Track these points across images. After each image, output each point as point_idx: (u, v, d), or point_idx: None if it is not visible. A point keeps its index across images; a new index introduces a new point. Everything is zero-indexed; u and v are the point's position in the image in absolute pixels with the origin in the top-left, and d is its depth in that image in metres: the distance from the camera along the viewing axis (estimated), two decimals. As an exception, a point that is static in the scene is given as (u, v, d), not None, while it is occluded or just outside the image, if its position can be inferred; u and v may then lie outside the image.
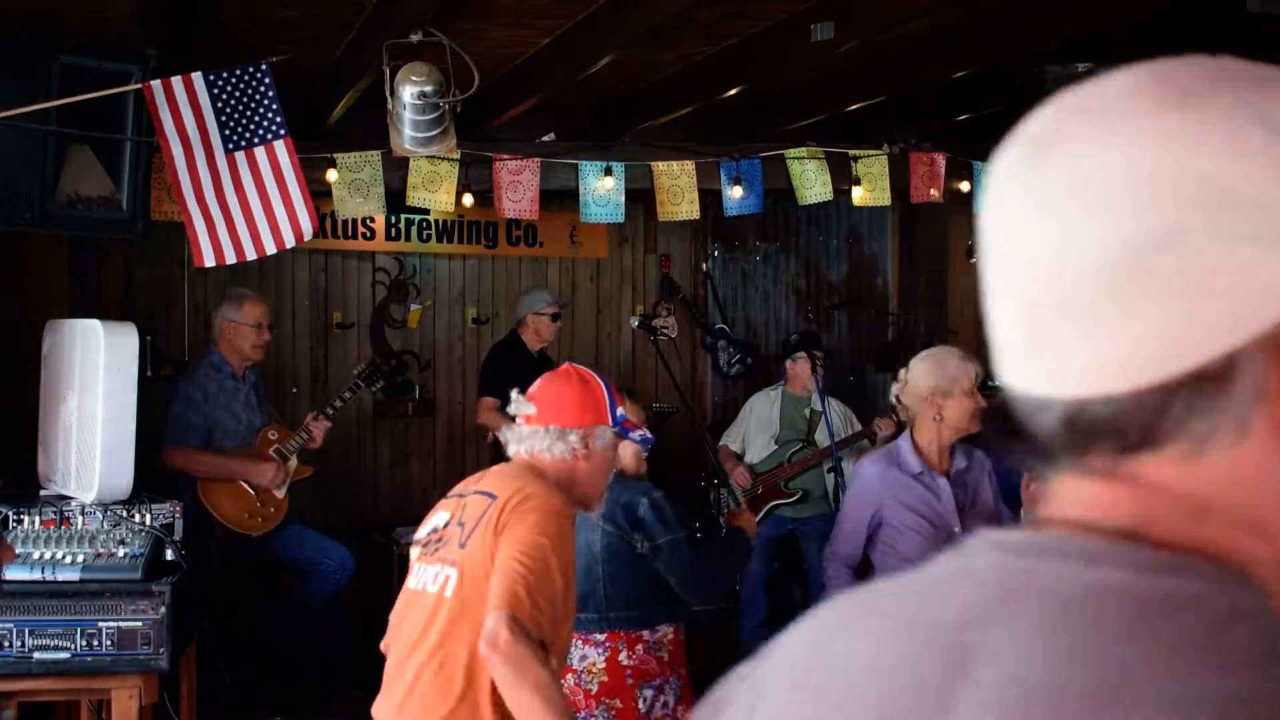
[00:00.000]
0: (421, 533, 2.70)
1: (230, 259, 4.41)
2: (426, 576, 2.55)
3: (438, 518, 2.67)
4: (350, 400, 5.97)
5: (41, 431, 4.73)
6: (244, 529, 5.43)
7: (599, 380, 2.78)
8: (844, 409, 6.52)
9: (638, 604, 3.52)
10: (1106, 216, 0.66)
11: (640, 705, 3.35)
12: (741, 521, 4.00)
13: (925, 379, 3.79)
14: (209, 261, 4.41)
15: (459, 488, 2.73)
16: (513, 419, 2.76)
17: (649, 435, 2.85)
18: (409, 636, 2.52)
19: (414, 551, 2.71)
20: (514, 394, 2.77)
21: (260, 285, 7.60)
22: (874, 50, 5.39)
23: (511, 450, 2.72)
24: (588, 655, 3.38)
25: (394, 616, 2.64)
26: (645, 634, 3.44)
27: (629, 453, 3.55)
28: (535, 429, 2.68)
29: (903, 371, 3.88)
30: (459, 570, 2.46)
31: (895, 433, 6.03)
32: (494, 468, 2.75)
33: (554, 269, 8.53)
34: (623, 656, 3.38)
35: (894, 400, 3.92)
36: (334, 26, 4.76)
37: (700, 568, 3.55)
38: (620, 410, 2.78)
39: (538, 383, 2.77)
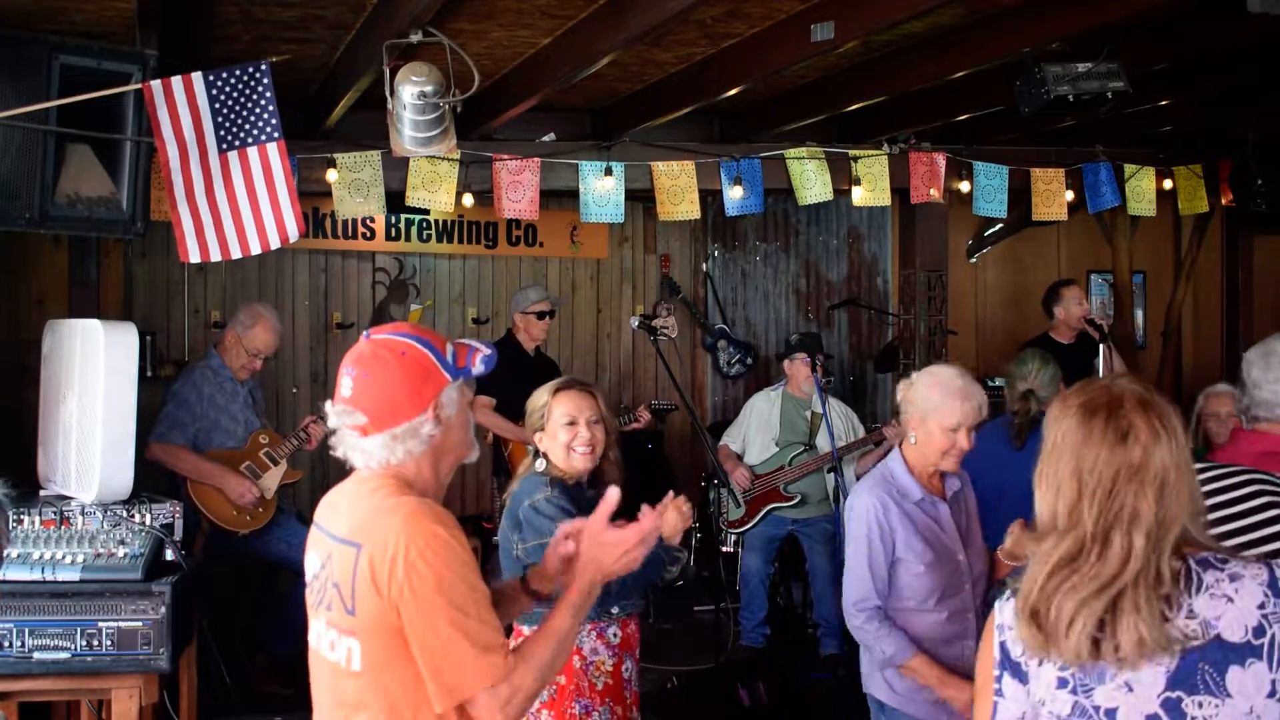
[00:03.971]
0: (308, 568, 2.37)
1: (215, 257, 4.42)
2: (324, 639, 2.26)
3: (311, 560, 2.34)
4: None
5: (41, 431, 4.73)
6: (231, 525, 5.45)
7: (411, 340, 2.26)
8: (845, 410, 6.51)
9: None
10: None
11: None
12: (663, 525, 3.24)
13: (916, 395, 3.48)
14: (194, 258, 4.42)
15: (320, 515, 2.36)
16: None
17: (489, 352, 2.31)
18: (330, 714, 2.28)
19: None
20: (327, 405, 2.29)
21: (260, 285, 7.62)
22: (874, 50, 5.39)
23: (359, 463, 2.27)
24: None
25: (312, 680, 2.35)
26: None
27: (559, 450, 3.36)
28: (377, 439, 2.22)
29: (913, 374, 3.59)
30: (359, 641, 2.16)
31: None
32: (349, 487, 2.31)
33: (554, 269, 8.53)
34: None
35: (897, 398, 3.61)
36: (334, 26, 4.76)
37: None
38: (448, 348, 2.28)
39: (350, 383, 2.24)
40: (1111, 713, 1.86)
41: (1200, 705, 1.83)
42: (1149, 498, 1.86)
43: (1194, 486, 1.91)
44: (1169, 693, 1.84)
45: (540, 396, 3.50)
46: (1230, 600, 1.85)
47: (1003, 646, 1.95)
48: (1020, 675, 1.93)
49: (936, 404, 3.41)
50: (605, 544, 2.30)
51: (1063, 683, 1.88)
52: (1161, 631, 1.82)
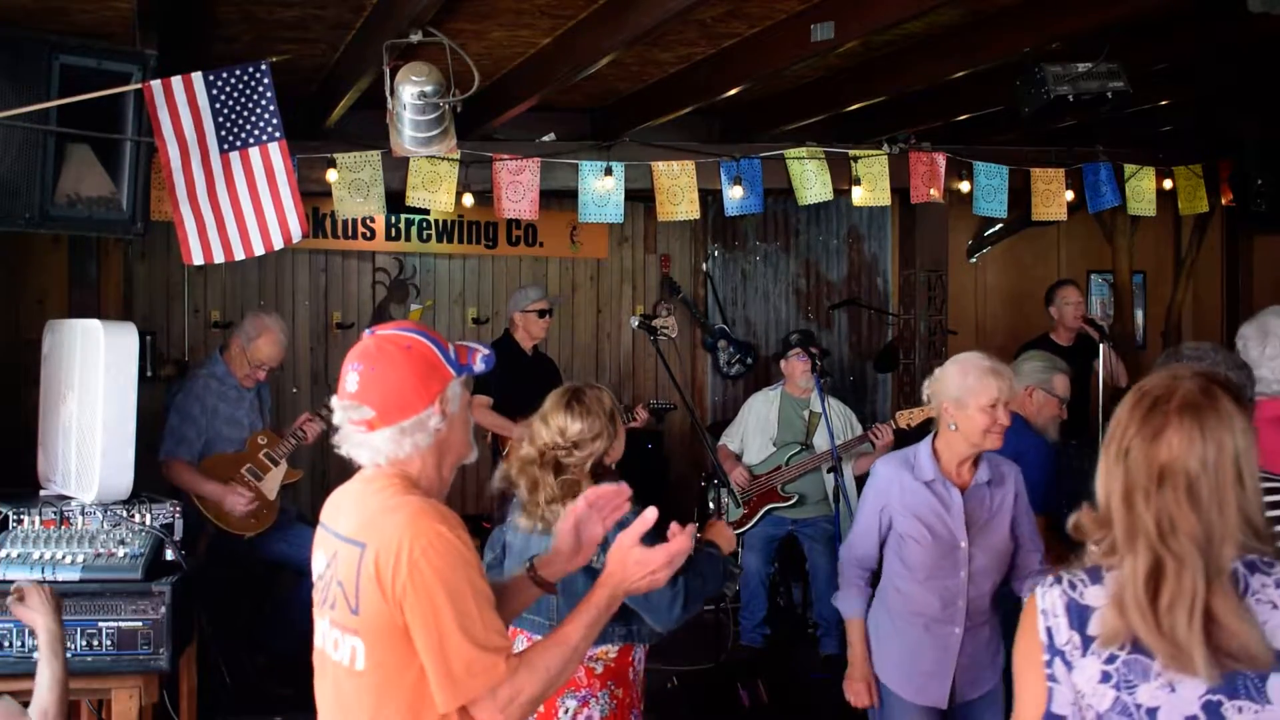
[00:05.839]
0: (314, 567, 2.37)
1: (218, 258, 4.41)
2: (328, 638, 2.26)
3: (318, 559, 2.34)
4: None
5: (41, 431, 4.73)
6: (236, 529, 5.46)
7: (416, 335, 2.29)
8: (844, 410, 6.50)
9: None
10: None
11: (561, 714, 3.23)
12: (714, 534, 3.44)
13: (947, 384, 3.66)
14: (197, 260, 4.42)
15: (326, 514, 2.36)
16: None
17: (487, 352, 2.35)
18: (332, 714, 2.29)
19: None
20: (333, 400, 2.30)
21: (260, 285, 7.62)
22: (874, 50, 5.39)
23: (365, 460, 2.28)
24: None
25: (315, 680, 2.35)
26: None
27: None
28: (384, 433, 2.23)
29: (937, 370, 3.76)
30: (363, 640, 2.16)
31: (893, 440, 6.03)
32: (354, 486, 2.32)
33: (554, 269, 8.53)
34: None
35: (924, 398, 3.80)
36: (334, 26, 4.76)
37: (670, 595, 3.11)
38: (450, 346, 2.32)
39: (356, 378, 2.25)
40: (1153, 711, 1.83)
41: (1240, 710, 1.80)
42: (1185, 506, 1.80)
43: (1244, 499, 1.82)
44: (1210, 695, 1.81)
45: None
46: (1276, 607, 1.82)
47: (1049, 632, 1.90)
48: (1066, 663, 1.89)
49: (971, 386, 3.59)
50: (632, 561, 2.28)
51: (1106, 677, 1.85)
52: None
